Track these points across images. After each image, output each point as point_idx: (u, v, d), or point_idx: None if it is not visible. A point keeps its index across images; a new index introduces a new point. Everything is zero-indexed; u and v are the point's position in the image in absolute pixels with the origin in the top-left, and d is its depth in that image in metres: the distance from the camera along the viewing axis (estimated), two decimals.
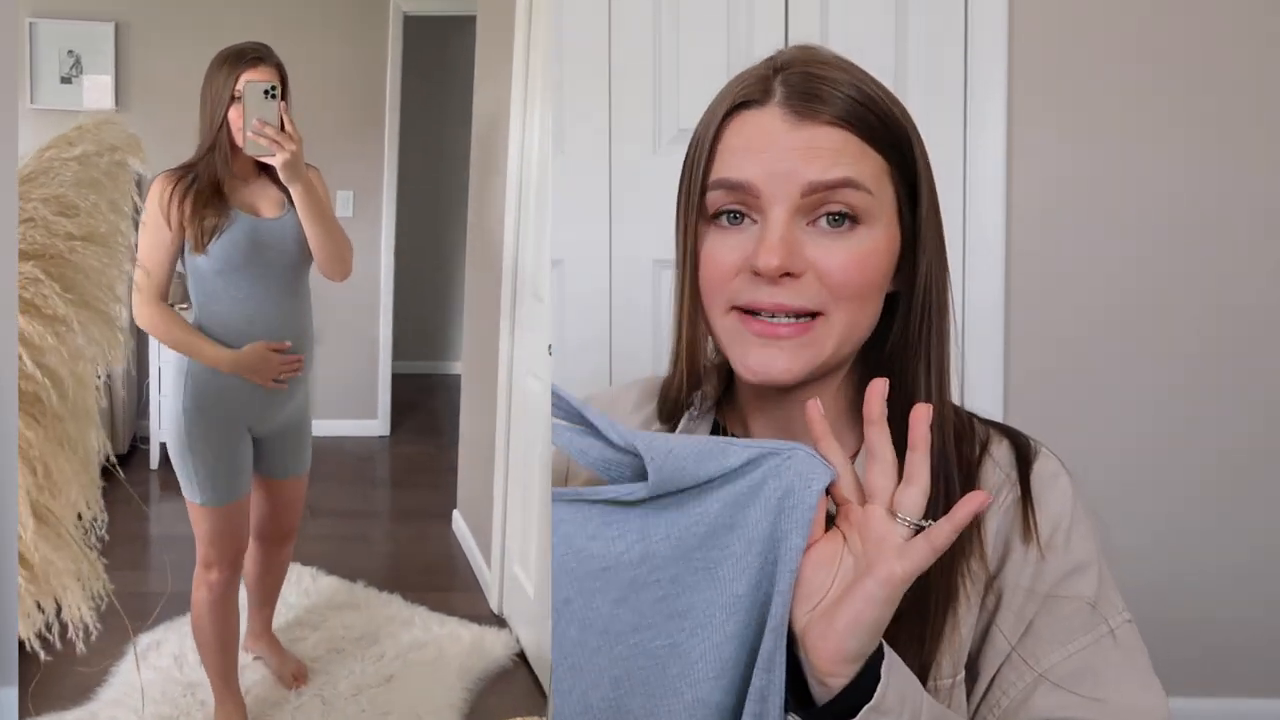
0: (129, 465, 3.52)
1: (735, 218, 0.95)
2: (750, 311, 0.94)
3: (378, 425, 4.30)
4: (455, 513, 3.21)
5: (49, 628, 0.99)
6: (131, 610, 2.40)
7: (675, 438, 0.85)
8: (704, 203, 0.96)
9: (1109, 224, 2.36)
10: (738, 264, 0.93)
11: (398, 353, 4.54)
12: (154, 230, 1.85)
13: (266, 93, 1.85)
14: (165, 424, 1.98)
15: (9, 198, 1.82)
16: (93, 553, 1.02)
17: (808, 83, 0.94)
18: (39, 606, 1.01)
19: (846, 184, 0.91)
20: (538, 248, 2.47)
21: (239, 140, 1.87)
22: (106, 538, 1.09)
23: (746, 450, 0.84)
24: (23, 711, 2.15)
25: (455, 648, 2.42)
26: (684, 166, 1.00)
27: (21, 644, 0.95)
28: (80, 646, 1.00)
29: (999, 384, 2.31)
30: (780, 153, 0.92)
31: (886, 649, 0.82)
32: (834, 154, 0.92)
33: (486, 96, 2.99)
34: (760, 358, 0.93)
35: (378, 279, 4.31)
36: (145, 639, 2.43)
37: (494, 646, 2.45)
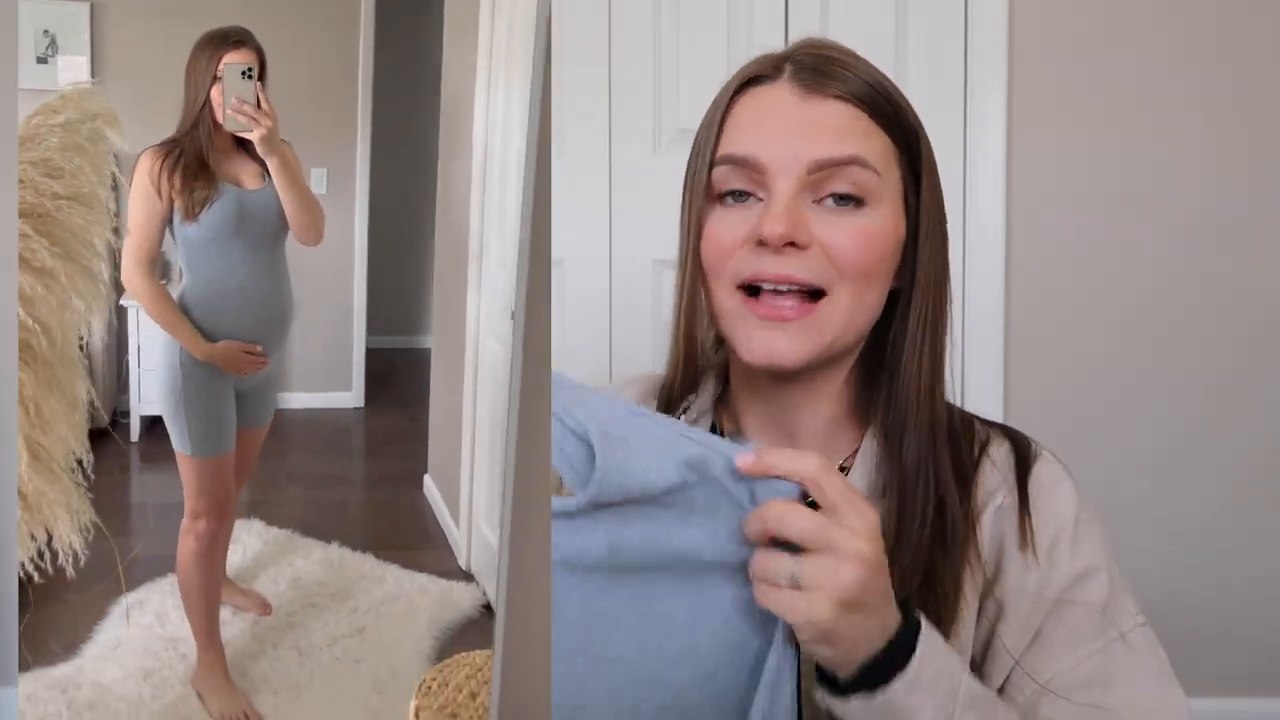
0: (111, 439, 3.61)
1: (740, 196, 0.94)
2: (754, 295, 0.92)
3: (352, 397, 4.40)
4: (426, 477, 3.31)
5: (40, 555, 1.10)
6: (114, 569, 2.50)
7: (639, 421, 0.79)
8: (710, 180, 0.95)
9: (1109, 224, 2.32)
10: (741, 238, 0.92)
11: (371, 328, 4.64)
12: (146, 202, 1.97)
13: (244, 74, 1.98)
14: (159, 381, 2.09)
15: (9, 163, 1.91)
16: (80, 488, 1.13)
17: (818, 62, 0.94)
18: (32, 537, 1.11)
19: (854, 161, 0.91)
20: (502, 217, 2.57)
21: (219, 117, 1.99)
22: (93, 476, 1.19)
23: (688, 458, 0.77)
24: (22, 665, 2.25)
25: (425, 601, 2.53)
26: (693, 146, 0.99)
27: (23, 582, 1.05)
28: (70, 571, 1.11)
29: (999, 384, 2.31)
30: (787, 127, 0.92)
31: (925, 623, 0.80)
32: (842, 130, 0.91)
33: (453, 72, 3.09)
34: (764, 340, 0.91)
35: (351, 256, 4.40)
36: (129, 598, 2.53)
37: (462, 599, 2.56)
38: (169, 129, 2.04)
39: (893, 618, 0.78)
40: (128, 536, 2.93)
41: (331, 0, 4.21)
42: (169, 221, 2.01)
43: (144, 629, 2.44)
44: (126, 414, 3.83)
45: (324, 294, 4.31)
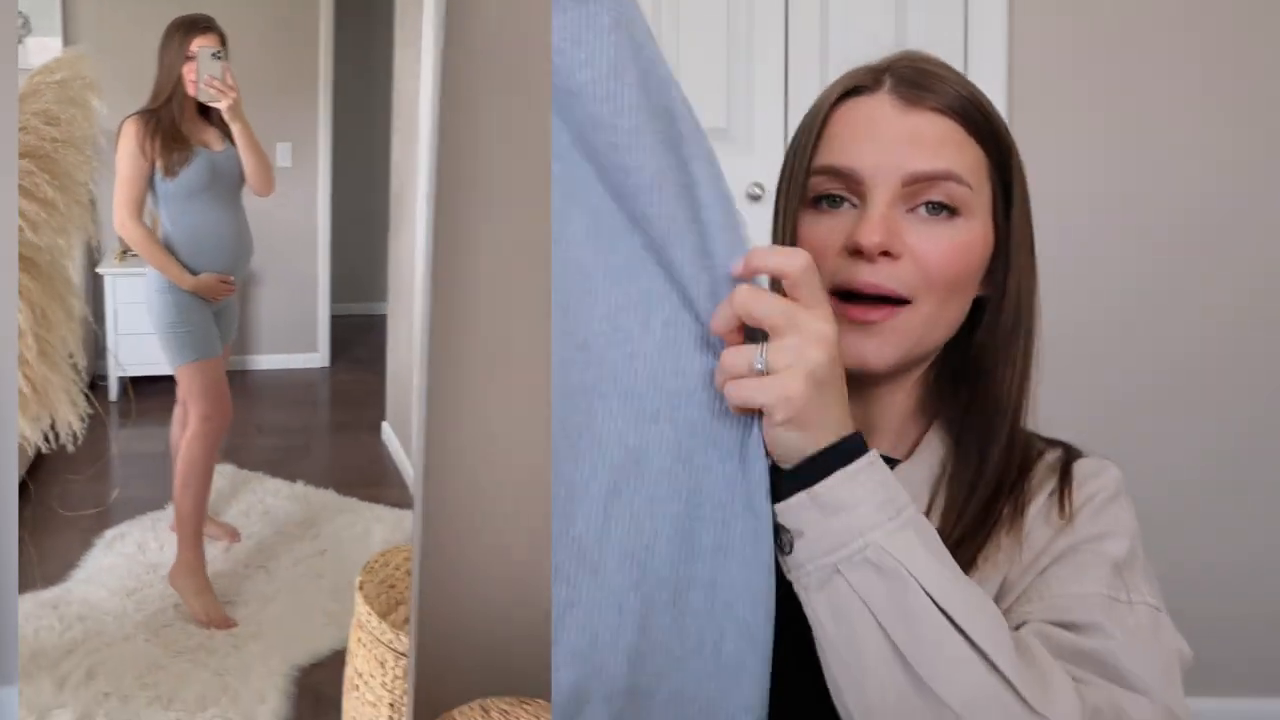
0: (90, 400, 3.83)
1: (835, 202, 0.96)
2: (844, 299, 0.93)
3: (318, 358, 4.63)
4: (384, 424, 3.58)
5: (45, 436, 1.36)
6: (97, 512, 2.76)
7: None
8: (807, 187, 0.96)
9: (1110, 224, 2.35)
10: (836, 245, 0.94)
11: (336, 295, 4.85)
12: (133, 160, 2.33)
13: (214, 55, 2.41)
14: (152, 311, 2.53)
15: (9, 115, 2.20)
16: (77, 381, 1.39)
17: (917, 74, 0.96)
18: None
19: (948, 176, 0.93)
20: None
21: (191, 91, 2.40)
22: (87, 379, 1.44)
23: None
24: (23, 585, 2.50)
25: (379, 526, 2.81)
26: (789, 152, 1.01)
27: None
28: (70, 447, 1.37)
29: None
30: (886, 140, 0.93)
31: (873, 450, 0.82)
32: (938, 143, 0.93)
33: (401, 49, 3.33)
34: (852, 343, 0.92)
35: (315, 226, 4.61)
36: (110, 532, 2.78)
37: (411, 524, 2.84)
38: (135, 103, 2.39)
39: (848, 427, 0.81)
40: (109, 481, 3.17)
41: None
42: (150, 177, 2.37)
43: (126, 557, 2.69)
44: (104, 377, 4.06)
45: (290, 263, 4.52)
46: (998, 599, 0.93)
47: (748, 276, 0.79)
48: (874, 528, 0.78)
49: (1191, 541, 2.39)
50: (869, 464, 0.80)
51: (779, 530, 0.82)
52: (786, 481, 0.81)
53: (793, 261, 0.78)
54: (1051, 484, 0.99)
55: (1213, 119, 2.33)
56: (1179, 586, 2.28)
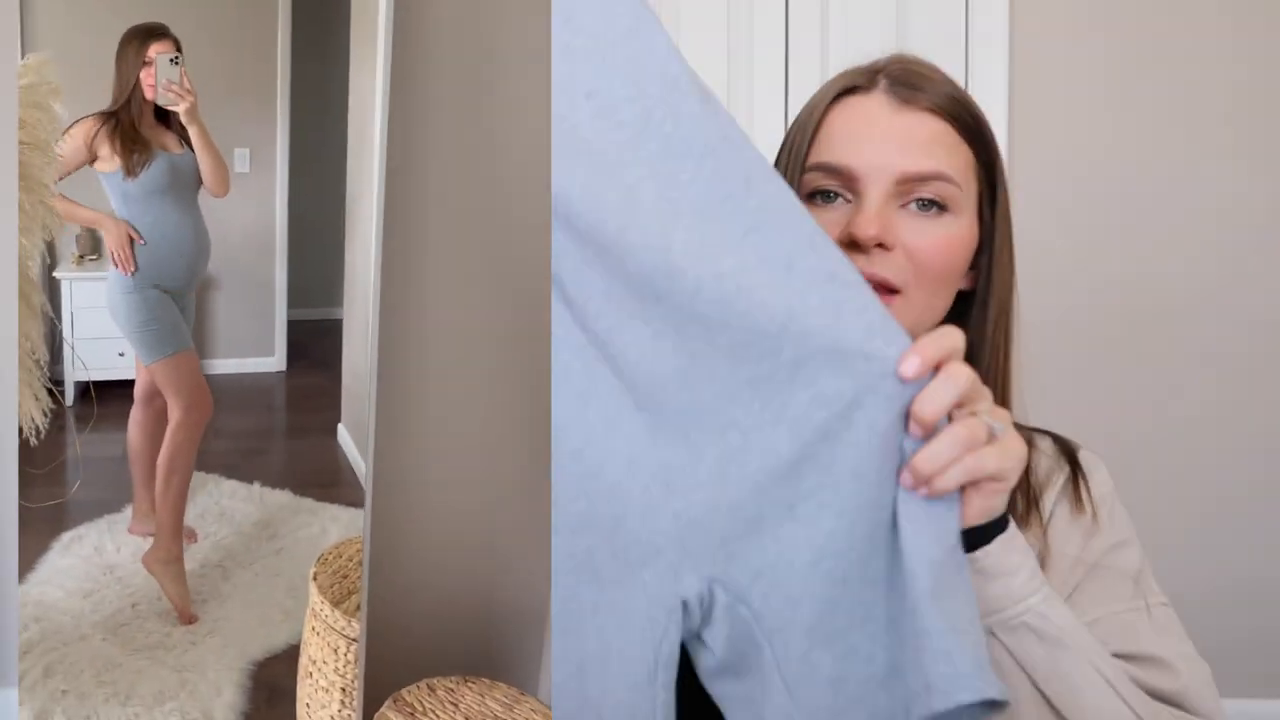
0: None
1: (829, 197, 0.98)
2: None
3: (274, 362, 4.67)
4: (340, 426, 3.63)
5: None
6: (56, 513, 2.80)
7: None
8: (801, 183, 0.99)
9: (1110, 224, 2.34)
10: (831, 236, 0.98)
11: (293, 300, 4.89)
12: (73, 150, 2.34)
13: (171, 60, 2.47)
14: (118, 312, 2.55)
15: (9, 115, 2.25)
16: (40, 376, 1.44)
17: (910, 76, 0.98)
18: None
19: (939, 176, 0.95)
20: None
21: (149, 95, 2.46)
22: (51, 382, 1.49)
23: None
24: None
25: (334, 526, 2.86)
26: (783, 148, 1.03)
27: None
28: (33, 440, 1.42)
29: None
30: (881, 139, 0.96)
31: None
32: (930, 143, 0.96)
33: (357, 60, 3.39)
34: None
35: (273, 232, 4.65)
36: (67, 535, 2.81)
37: None
38: (90, 107, 2.43)
39: None
40: (64, 486, 3.19)
41: None
42: (76, 170, 2.41)
43: (83, 559, 2.72)
44: (60, 382, 4.07)
45: (248, 269, 4.54)
46: None
47: (925, 373, 0.76)
48: (1032, 594, 0.82)
49: (1191, 540, 2.39)
50: (1016, 531, 0.83)
51: None
52: None
53: (958, 338, 0.77)
54: (1060, 476, 1.02)
55: (1216, 118, 2.34)
56: (1180, 586, 2.23)
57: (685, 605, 0.77)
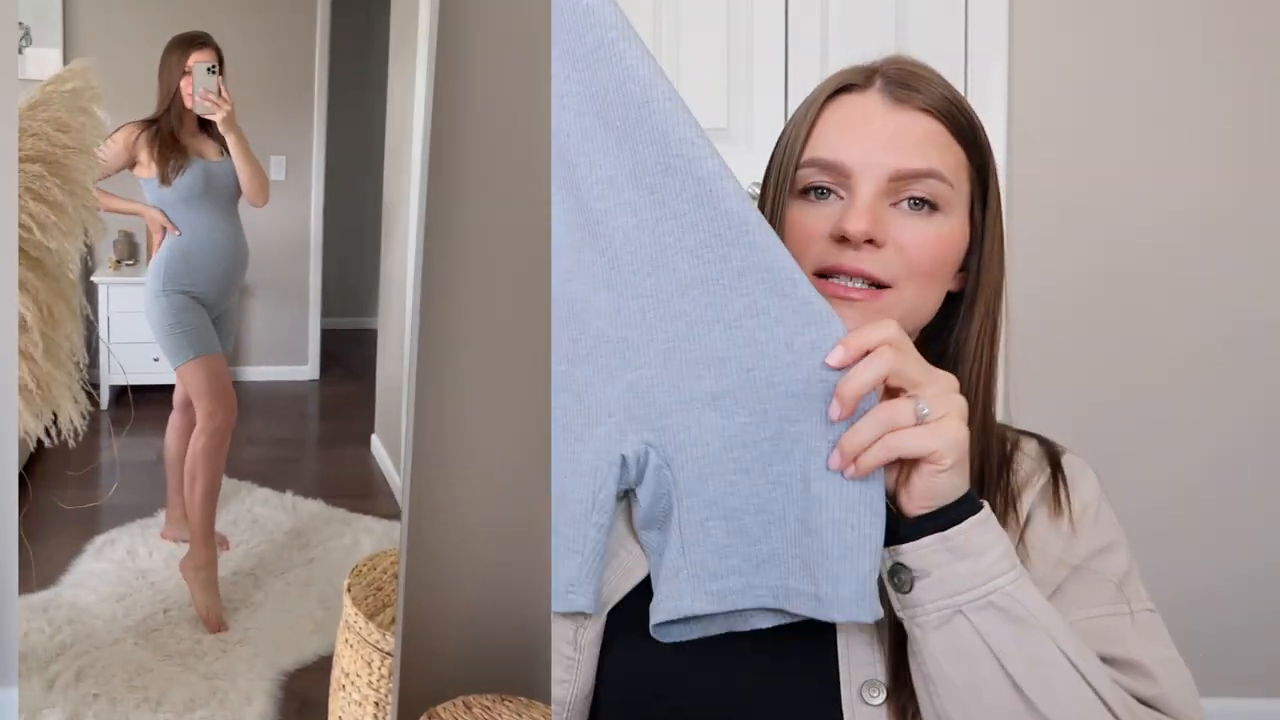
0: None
1: (823, 193, 1.00)
2: (826, 279, 0.98)
3: (308, 371, 4.67)
4: (373, 436, 3.61)
5: (48, 431, 1.40)
6: (90, 516, 2.81)
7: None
8: (796, 178, 1.01)
9: (1110, 224, 2.37)
10: (823, 232, 0.98)
11: (326, 309, 4.90)
12: (114, 150, 2.36)
13: (209, 69, 2.51)
14: (150, 316, 2.57)
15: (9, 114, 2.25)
16: (80, 378, 1.43)
17: (906, 76, 1.00)
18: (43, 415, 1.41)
19: (931, 174, 0.98)
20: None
21: (188, 103, 2.48)
22: (92, 386, 1.48)
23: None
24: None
25: (368, 537, 2.83)
26: (779, 144, 1.05)
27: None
28: (71, 443, 1.41)
29: (997, 385, 2.33)
30: (875, 137, 0.98)
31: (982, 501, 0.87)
32: (924, 142, 0.98)
33: (398, 59, 3.39)
34: None
35: (308, 239, 4.66)
36: (100, 538, 2.80)
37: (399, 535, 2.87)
38: (132, 114, 2.45)
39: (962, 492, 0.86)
40: (98, 488, 3.19)
41: (289, 2, 4.46)
42: (119, 172, 2.42)
43: (116, 563, 2.71)
44: (97, 385, 4.09)
45: (282, 275, 4.56)
46: None
47: (851, 360, 0.83)
48: (1001, 574, 0.84)
49: (1189, 540, 2.41)
50: (990, 514, 0.86)
51: (896, 570, 0.86)
52: (913, 525, 0.86)
53: (889, 330, 0.83)
54: (1041, 478, 1.04)
55: (1216, 117, 2.35)
56: (1180, 585, 2.27)
57: (624, 460, 0.92)
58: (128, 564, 2.71)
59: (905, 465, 0.85)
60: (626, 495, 0.95)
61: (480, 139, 1.93)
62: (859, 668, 0.95)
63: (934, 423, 0.81)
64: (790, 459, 0.87)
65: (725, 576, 0.91)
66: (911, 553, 0.85)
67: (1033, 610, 0.85)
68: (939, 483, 0.83)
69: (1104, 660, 0.92)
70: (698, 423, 0.90)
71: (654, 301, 0.89)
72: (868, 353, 0.83)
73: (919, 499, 0.85)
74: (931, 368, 0.84)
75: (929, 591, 0.85)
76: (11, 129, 1.37)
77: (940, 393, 0.82)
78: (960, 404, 0.83)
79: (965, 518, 0.84)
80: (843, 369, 0.84)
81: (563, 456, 0.92)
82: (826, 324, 0.87)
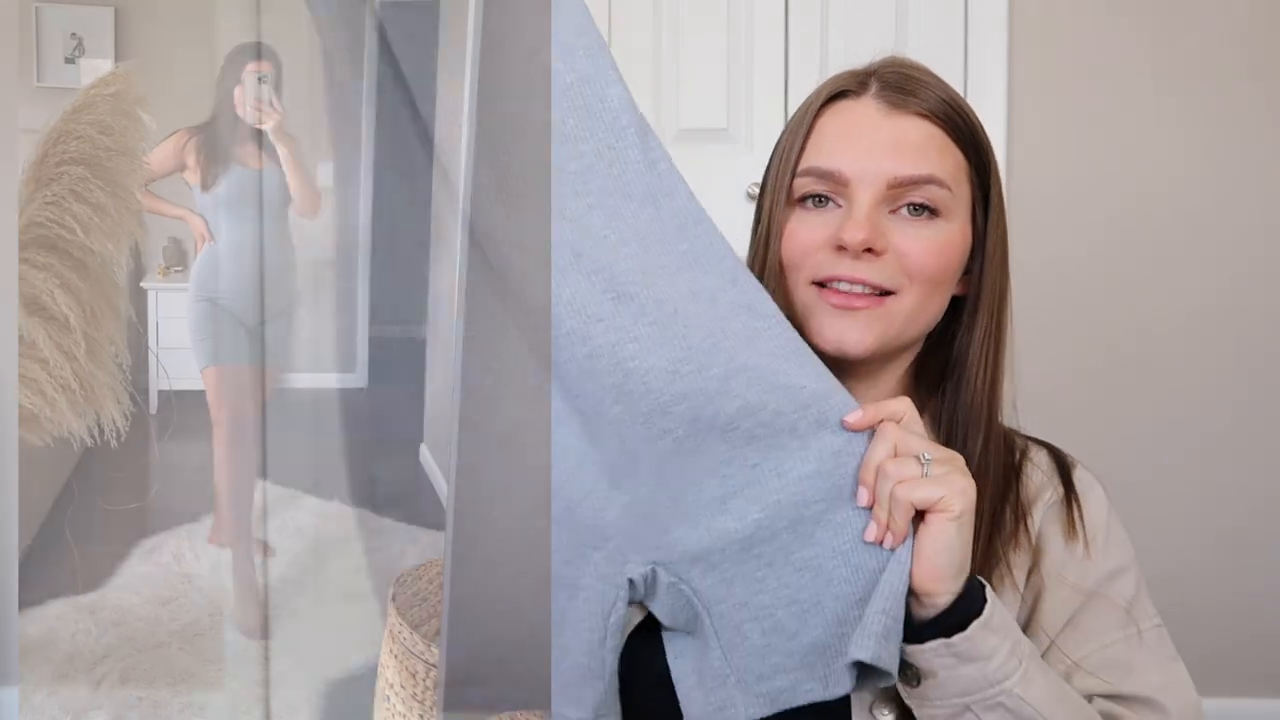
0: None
1: (820, 201, 0.98)
2: (827, 287, 0.96)
3: (356, 378, 4.68)
4: (422, 445, 3.61)
5: (90, 431, 1.38)
6: (137, 519, 2.81)
7: None
8: (793, 186, 0.99)
9: (1110, 224, 2.33)
10: (821, 241, 0.96)
11: (376, 317, 4.91)
12: (163, 157, 2.41)
13: (261, 79, 2.53)
14: (189, 319, 2.64)
15: (9, 114, 2.25)
16: (122, 379, 1.42)
17: (902, 79, 0.98)
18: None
19: (930, 180, 0.95)
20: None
21: (240, 112, 2.52)
22: (131, 380, 1.48)
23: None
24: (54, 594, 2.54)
25: (414, 547, 2.82)
26: (775, 152, 1.03)
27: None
28: (114, 443, 1.40)
29: (1005, 389, 2.31)
30: (872, 144, 0.96)
31: (985, 581, 0.87)
32: (922, 147, 0.96)
33: (446, 81, 3.39)
34: (836, 328, 0.95)
35: (356, 247, 4.68)
36: (148, 542, 2.81)
37: None
38: (180, 121, 2.52)
39: (968, 569, 0.85)
40: (147, 492, 3.21)
41: (340, 12, 4.49)
42: (167, 176, 2.49)
43: (162, 566, 2.72)
44: (145, 390, 4.12)
45: (331, 284, 4.58)
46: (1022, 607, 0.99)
47: (870, 420, 0.86)
48: (1007, 677, 0.84)
49: (1189, 541, 2.40)
50: (996, 606, 0.85)
51: (902, 666, 0.86)
52: (917, 630, 0.85)
53: (904, 405, 0.86)
54: (1052, 494, 1.02)
55: (1216, 115, 2.34)
56: (1180, 585, 2.13)
57: (631, 583, 0.90)
58: (174, 568, 2.71)
59: (915, 524, 0.85)
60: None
61: (526, 144, 1.89)
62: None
63: (940, 474, 0.82)
64: (814, 542, 0.87)
65: (771, 676, 0.90)
66: (917, 655, 0.85)
67: (1041, 706, 0.85)
68: (948, 536, 0.82)
69: (1115, 698, 0.94)
70: (708, 531, 0.89)
71: (628, 425, 0.88)
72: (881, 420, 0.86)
73: (928, 576, 0.84)
74: (936, 445, 0.87)
75: (936, 690, 0.85)
76: (11, 130, 1.39)
77: (945, 465, 0.83)
78: (961, 461, 0.85)
79: (970, 620, 0.83)
80: (855, 431, 0.86)
81: (560, 579, 0.94)
82: (826, 400, 0.87)
